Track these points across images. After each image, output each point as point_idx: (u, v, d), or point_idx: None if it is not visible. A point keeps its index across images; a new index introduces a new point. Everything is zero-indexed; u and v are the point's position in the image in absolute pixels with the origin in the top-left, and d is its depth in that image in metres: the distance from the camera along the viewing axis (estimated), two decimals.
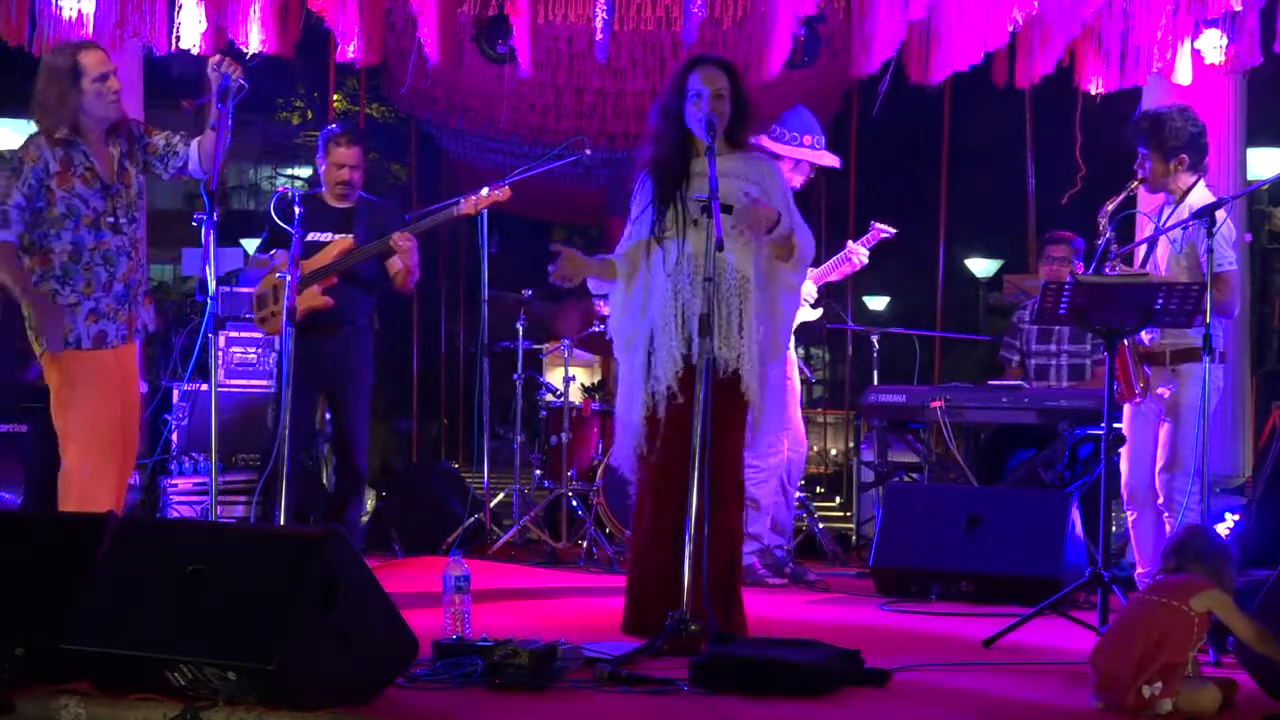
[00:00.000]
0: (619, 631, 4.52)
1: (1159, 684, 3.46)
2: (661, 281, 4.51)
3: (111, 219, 4.85)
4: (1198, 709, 3.48)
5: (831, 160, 6.31)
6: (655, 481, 4.50)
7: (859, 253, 6.46)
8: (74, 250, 4.79)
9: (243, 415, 7.30)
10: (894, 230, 6.55)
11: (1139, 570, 5.28)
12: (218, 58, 4.82)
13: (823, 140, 6.24)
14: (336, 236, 6.19)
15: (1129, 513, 5.32)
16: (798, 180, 6.15)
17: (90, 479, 4.69)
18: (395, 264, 6.13)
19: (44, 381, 6.30)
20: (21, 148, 4.86)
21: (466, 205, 6.24)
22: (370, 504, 7.96)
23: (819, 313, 6.54)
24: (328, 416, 7.06)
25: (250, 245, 16.18)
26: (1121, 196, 5.30)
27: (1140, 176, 5.30)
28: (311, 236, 6.19)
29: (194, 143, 4.95)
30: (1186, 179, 5.27)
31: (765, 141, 5.90)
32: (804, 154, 6.12)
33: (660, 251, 4.53)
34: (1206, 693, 3.50)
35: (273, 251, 6.18)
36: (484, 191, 6.25)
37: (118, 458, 4.81)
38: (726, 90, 4.51)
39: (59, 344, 4.75)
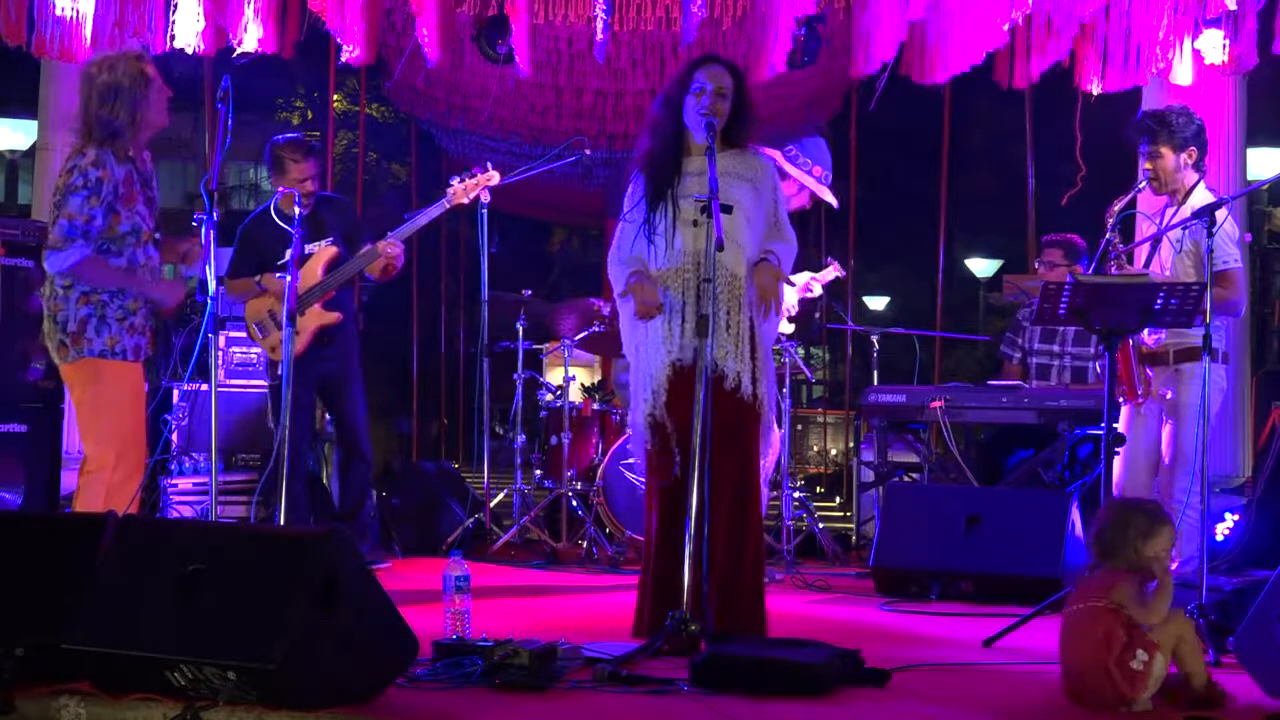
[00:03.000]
0: (620, 632, 4.52)
1: (1143, 654, 3.50)
2: (652, 278, 4.53)
3: (158, 234, 4.92)
4: (1184, 641, 3.53)
5: (831, 199, 6.39)
6: (664, 485, 4.49)
7: (814, 286, 6.57)
8: (128, 267, 4.82)
9: (243, 415, 7.30)
10: (844, 272, 6.79)
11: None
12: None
13: (829, 177, 6.35)
14: (316, 245, 6.27)
15: None
16: (796, 204, 6.27)
17: (121, 483, 4.73)
18: (379, 264, 6.20)
19: (46, 382, 6.35)
20: (95, 164, 4.75)
21: (457, 194, 6.27)
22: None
23: (792, 327, 6.61)
24: (328, 417, 7.08)
25: None
26: (1129, 196, 5.31)
27: (1145, 178, 5.31)
28: (290, 254, 6.23)
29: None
30: (1192, 176, 5.28)
31: (779, 158, 6.03)
32: (809, 182, 6.21)
33: (651, 248, 4.54)
34: (1179, 624, 3.55)
35: (264, 274, 6.19)
36: (472, 177, 6.29)
37: (140, 467, 4.87)
38: (730, 90, 4.53)
39: (179, 295, 4.96)
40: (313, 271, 6.23)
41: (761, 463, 6.04)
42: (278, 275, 6.11)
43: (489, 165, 6.44)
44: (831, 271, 6.69)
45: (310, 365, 6.21)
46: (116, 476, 4.75)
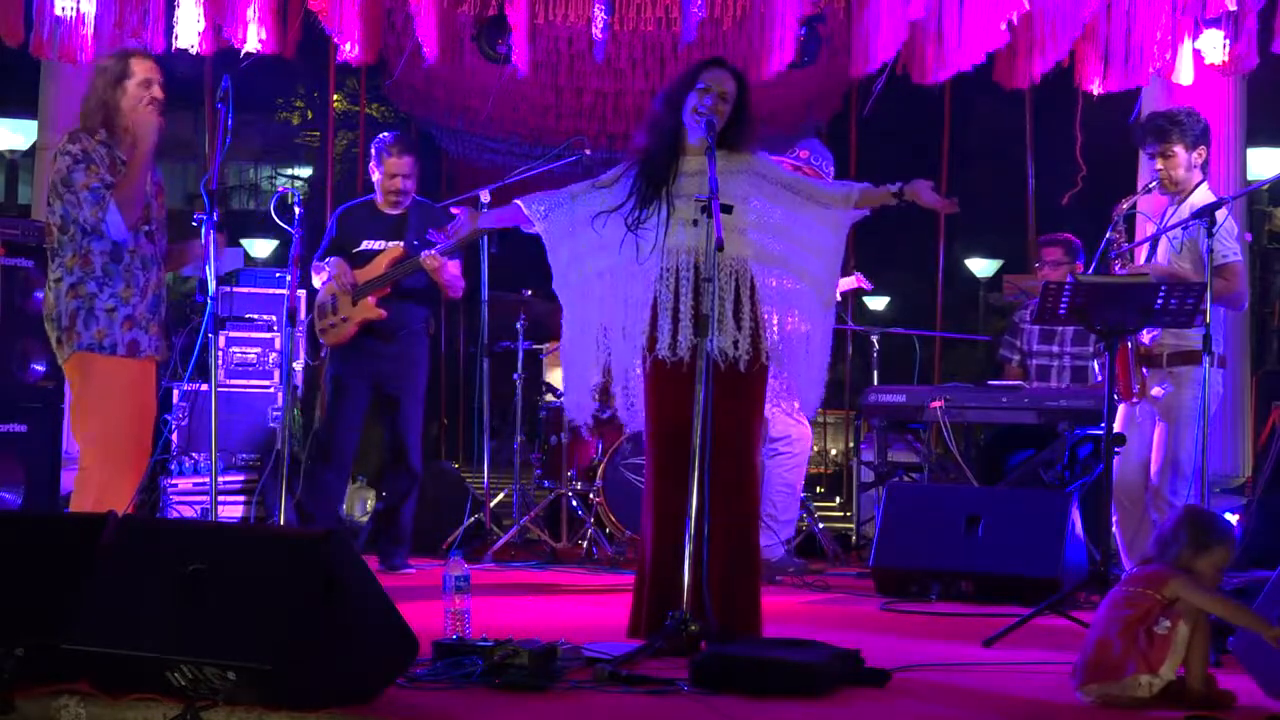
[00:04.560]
0: (620, 632, 4.51)
1: (1166, 621, 3.52)
2: (631, 268, 4.52)
3: (147, 227, 4.87)
4: (1198, 638, 3.53)
5: None
6: (661, 486, 4.48)
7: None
8: (114, 251, 4.78)
9: (243, 415, 7.31)
10: (871, 286, 6.89)
11: (1131, 570, 5.26)
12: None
13: (833, 173, 6.43)
14: (388, 245, 6.34)
15: (1113, 513, 5.29)
16: None
17: (108, 484, 4.71)
18: (439, 282, 6.28)
19: (46, 382, 6.35)
20: (71, 140, 4.78)
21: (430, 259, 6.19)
22: (370, 504, 7.96)
23: None
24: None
25: (250, 245, 16.14)
26: (1136, 197, 5.31)
27: (1156, 178, 5.30)
28: (365, 245, 6.39)
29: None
30: (1198, 176, 5.28)
31: (787, 164, 6.09)
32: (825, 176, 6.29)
33: (634, 239, 4.53)
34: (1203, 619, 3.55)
35: (329, 260, 6.25)
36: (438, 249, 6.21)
37: (135, 464, 4.83)
38: (732, 94, 4.53)
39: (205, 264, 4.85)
40: (376, 267, 6.32)
41: (795, 452, 6.12)
42: (327, 262, 6.28)
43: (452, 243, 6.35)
44: (853, 281, 6.73)
45: (365, 360, 6.31)
46: (103, 477, 4.72)
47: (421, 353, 6.43)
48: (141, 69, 4.85)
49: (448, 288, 6.31)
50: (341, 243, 6.36)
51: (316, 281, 6.38)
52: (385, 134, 6.61)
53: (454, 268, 6.29)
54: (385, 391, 6.39)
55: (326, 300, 6.32)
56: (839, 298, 6.72)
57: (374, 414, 6.55)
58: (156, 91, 4.86)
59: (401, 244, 6.32)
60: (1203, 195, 5.23)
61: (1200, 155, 5.29)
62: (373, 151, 6.48)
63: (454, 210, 5.02)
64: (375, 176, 6.45)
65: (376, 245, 6.36)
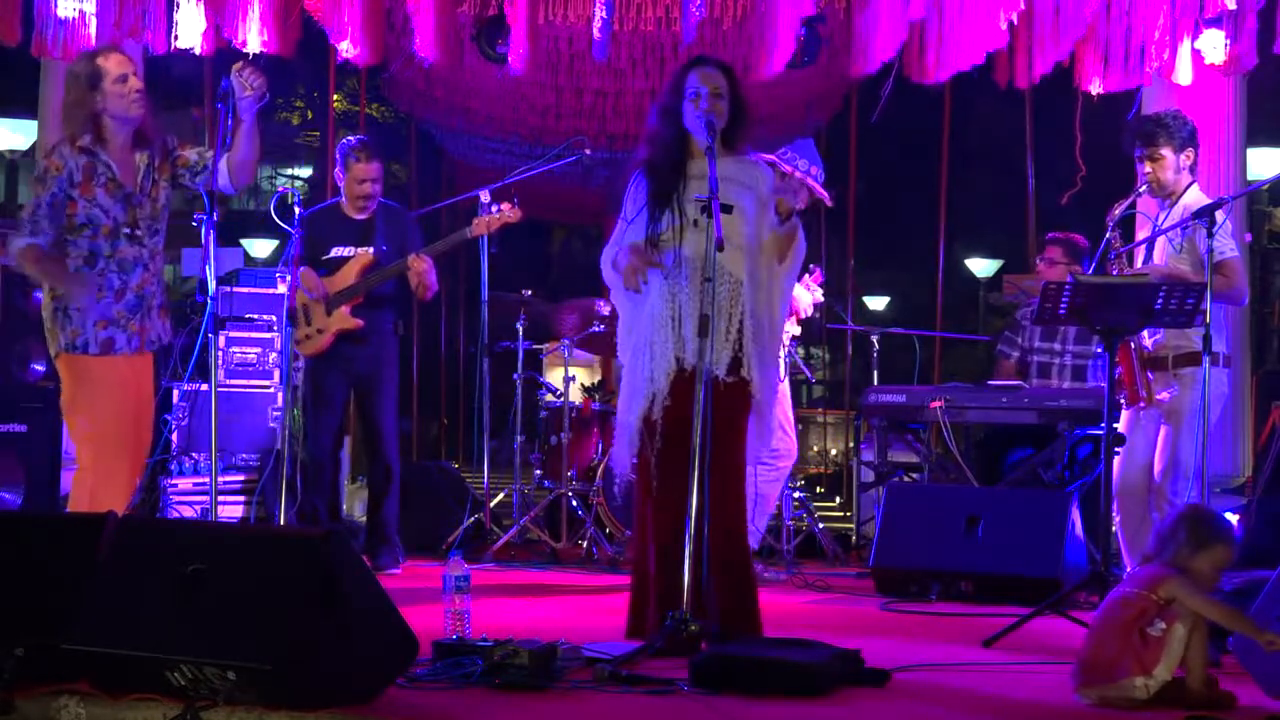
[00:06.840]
0: (620, 632, 4.51)
1: (1161, 623, 3.52)
2: (658, 285, 4.50)
3: (129, 230, 4.85)
4: (1196, 638, 3.53)
5: (826, 197, 6.49)
6: (657, 488, 4.47)
7: (815, 290, 6.60)
8: (89, 257, 4.80)
9: (243, 415, 7.31)
10: (821, 280, 6.81)
11: (1129, 572, 5.26)
12: (240, 64, 4.80)
13: (823, 176, 6.40)
14: (358, 250, 6.38)
15: (1115, 514, 5.29)
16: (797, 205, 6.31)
17: (102, 481, 4.72)
18: (413, 279, 6.34)
19: (46, 382, 6.36)
20: (47, 156, 4.88)
21: (478, 227, 6.39)
22: None
23: (799, 329, 6.64)
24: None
25: (250, 245, 16.14)
26: (1128, 200, 5.32)
27: (1144, 182, 5.31)
28: (335, 252, 6.41)
29: (224, 157, 4.86)
30: (1187, 178, 5.30)
31: (777, 161, 6.10)
32: (807, 182, 6.26)
33: (656, 255, 4.52)
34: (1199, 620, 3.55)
35: (301, 270, 6.26)
36: (494, 212, 6.44)
37: (127, 461, 4.83)
38: (725, 90, 4.51)
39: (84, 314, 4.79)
40: (347, 275, 6.36)
41: (779, 465, 6.11)
42: (289, 271, 6.28)
43: (515, 201, 6.54)
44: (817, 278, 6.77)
45: (341, 364, 6.39)
46: (96, 476, 4.73)
47: (392, 353, 6.54)
48: (114, 66, 4.83)
49: (426, 289, 6.35)
50: (309, 249, 6.34)
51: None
52: (351, 138, 6.65)
53: (432, 274, 6.37)
54: (359, 391, 6.49)
55: (297, 310, 6.33)
56: (820, 293, 6.72)
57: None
58: (135, 83, 4.86)
59: (371, 250, 6.37)
60: (1194, 196, 5.25)
61: (1188, 157, 5.31)
62: (338, 156, 6.53)
63: None
64: (341, 181, 6.50)
65: (345, 251, 6.41)
